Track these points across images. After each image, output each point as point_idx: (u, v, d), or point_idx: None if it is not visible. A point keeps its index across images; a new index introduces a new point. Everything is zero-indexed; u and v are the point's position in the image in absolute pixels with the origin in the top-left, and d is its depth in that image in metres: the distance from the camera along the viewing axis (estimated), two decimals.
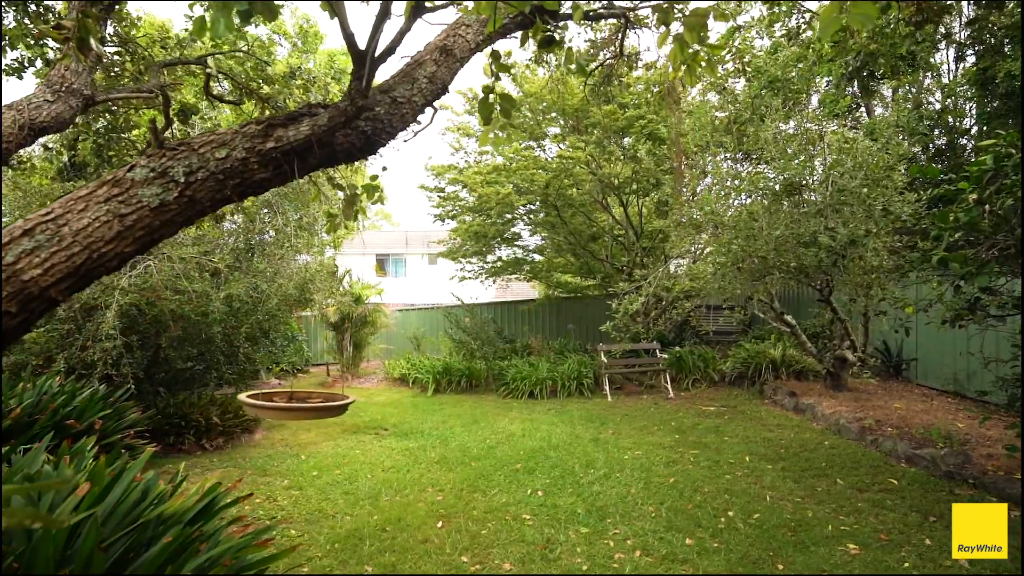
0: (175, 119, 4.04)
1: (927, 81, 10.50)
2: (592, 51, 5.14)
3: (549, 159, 10.77)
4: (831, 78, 8.10)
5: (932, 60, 10.09)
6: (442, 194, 12.95)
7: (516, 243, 13.82)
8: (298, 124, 1.61)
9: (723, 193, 5.85)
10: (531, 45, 6.32)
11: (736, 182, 5.61)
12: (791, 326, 7.49)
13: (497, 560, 3.76)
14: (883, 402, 7.00)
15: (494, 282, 15.31)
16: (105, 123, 3.77)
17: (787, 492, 4.76)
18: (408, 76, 2.00)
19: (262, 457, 6.43)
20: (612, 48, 4.86)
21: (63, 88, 2.58)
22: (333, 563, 3.77)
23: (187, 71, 4.31)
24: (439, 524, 4.37)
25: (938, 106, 9.82)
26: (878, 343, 8.68)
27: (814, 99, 7.79)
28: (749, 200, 5.64)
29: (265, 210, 7.88)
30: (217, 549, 2.09)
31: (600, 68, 5.28)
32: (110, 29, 4.62)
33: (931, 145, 9.88)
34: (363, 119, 1.75)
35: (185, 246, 6.57)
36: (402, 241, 32.29)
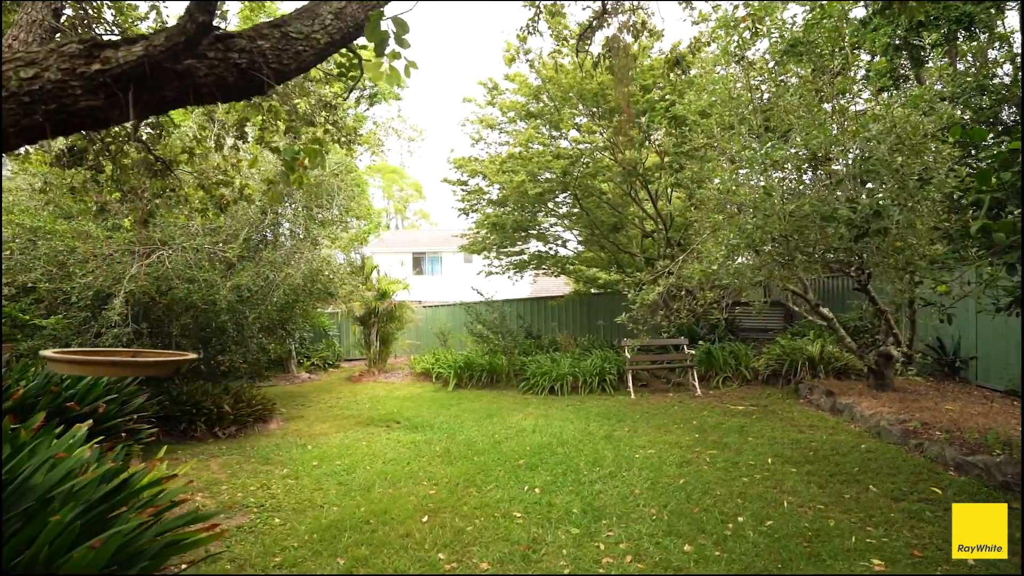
0: None
1: (994, 53, 9.45)
2: (595, 22, 4.82)
3: (568, 147, 10.40)
4: (876, 49, 7.36)
5: (1001, 28, 9.05)
6: (465, 187, 12.81)
7: (540, 236, 13.51)
8: (131, 45, 1.42)
9: (738, 169, 5.32)
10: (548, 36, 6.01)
11: (750, 153, 5.07)
12: (828, 319, 6.85)
13: (475, 559, 3.52)
14: (933, 403, 6.28)
15: (521, 277, 15.05)
16: None
17: (809, 498, 4.28)
18: (310, 11, 1.78)
19: (270, 446, 6.45)
20: (612, 17, 4.51)
21: None
22: (307, 554, 3.64)
23: None
24: (424, 519, 4.17)
25: (1008, 80, 8.79)
26: (931, 339, 7.85)
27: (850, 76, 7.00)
28: (764, 177, 5.09)
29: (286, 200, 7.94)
30: (122, 526, 1.95)
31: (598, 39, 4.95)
32: (109, 17, 4.69)
33: (997, 122, 8.86)
34: (236, 51, 1.56)
35: (198, 236, 6.67)
36: (438, 239, 32.55)
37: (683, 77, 7.84)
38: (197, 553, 3.21)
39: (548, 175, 10.40)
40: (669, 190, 11.10)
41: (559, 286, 24.73)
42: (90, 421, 4.44)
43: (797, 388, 8.13)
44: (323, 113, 4.42)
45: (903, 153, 4.12)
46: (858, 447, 5.48)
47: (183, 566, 3.42)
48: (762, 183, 4.93)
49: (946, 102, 4.95)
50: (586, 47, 4.85)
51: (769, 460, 5.23)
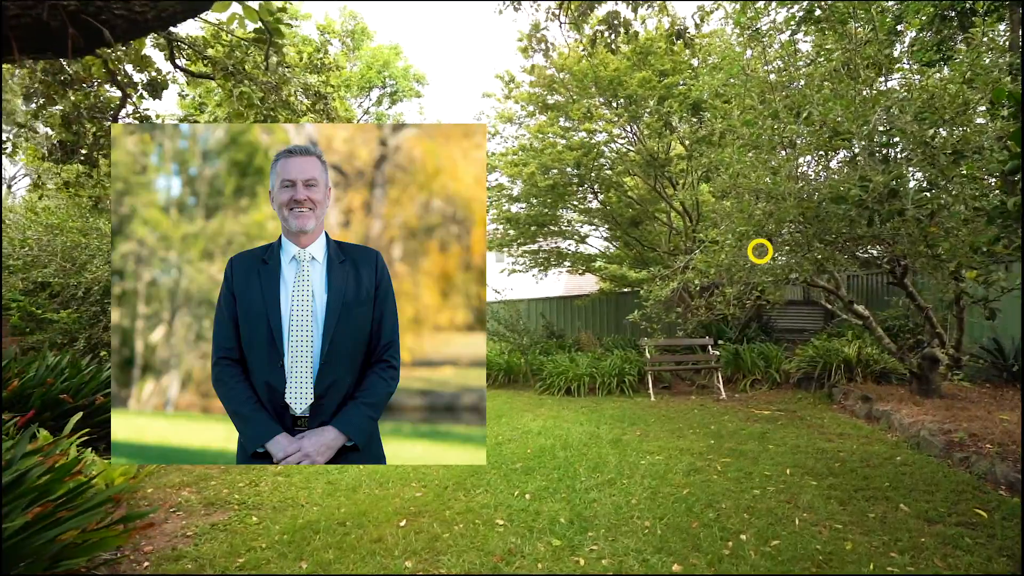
0: (146, 92, 3.99)
1: None
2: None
3: (584, 137, 10.04)
4: (923, 16, 6.65)
5: None
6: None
7: (560, 232, 13.14)
8: None
9: (748, 154, 4.83)
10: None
11: (755, 129, 4.57)
12: (863, 318, 6.23)
13: (443, 569, 3.28)
14: (984, 412, 5.59)
15: (545, 275, 14.74)
16: (71, 103, 3.79)
17: (826, 516, 3.82)
18: None
19: None
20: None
21: None
22: (273, 555, 3.50)
23: (154, 39, 4.25)
24: (403, 523, 3.97)
25: None
26: (986, 340, 7.05)
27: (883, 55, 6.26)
28: (772, 156, 4.60)
29: None
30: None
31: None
32: None
33: None
34: None
35: None
36: None
37: (688, 53, 7.32)
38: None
39: (567, 168, 10.05)
40: (695, 181, 10.56)
41: (591, 285, 24.22)
42: (80, 414, 4.47)
43: (831, 392, 7.49)
44: (306, 101, 4.28)
45: (930, 119, 3.57)
46: (892, 459, 4.92)
47: (146, 565, 3.34)
48: (772, 164, 4.45)
49: (996, 72, 4.33)
50: (584, 22, 4.53)
51: (787, 471, 4.76)
